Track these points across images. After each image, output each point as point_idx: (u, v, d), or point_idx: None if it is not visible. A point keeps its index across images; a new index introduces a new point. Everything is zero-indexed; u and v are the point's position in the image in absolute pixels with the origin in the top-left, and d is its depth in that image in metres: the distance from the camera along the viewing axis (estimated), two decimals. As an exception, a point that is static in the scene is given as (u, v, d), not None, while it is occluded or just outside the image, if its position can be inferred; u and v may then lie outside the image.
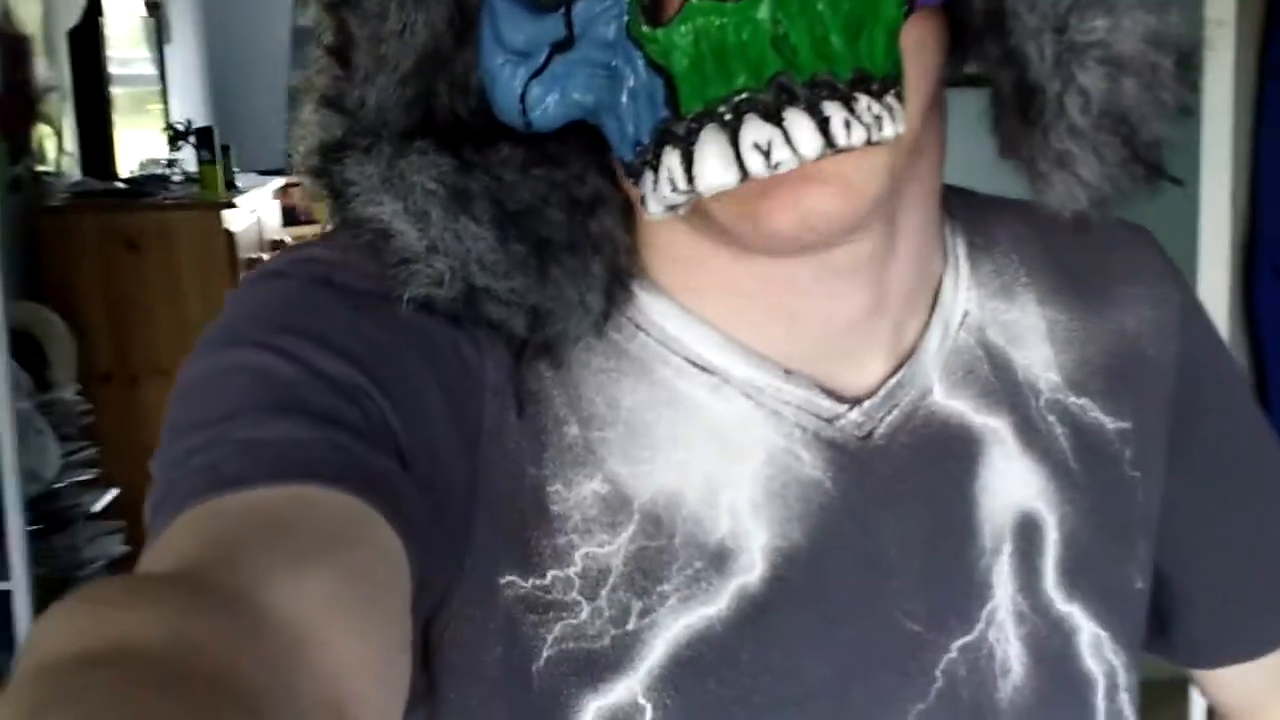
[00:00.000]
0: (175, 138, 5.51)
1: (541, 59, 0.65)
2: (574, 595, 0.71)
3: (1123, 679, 0.82)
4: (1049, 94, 0.68)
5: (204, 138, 5.07)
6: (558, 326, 0.71)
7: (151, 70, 5.76)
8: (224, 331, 0.68)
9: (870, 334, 0.76)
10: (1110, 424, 0.83)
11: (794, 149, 0.59)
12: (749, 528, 0.73)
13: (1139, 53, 0.67)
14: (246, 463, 0.59)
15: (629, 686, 0.71)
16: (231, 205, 4.76)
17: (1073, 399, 0.82)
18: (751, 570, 0.73)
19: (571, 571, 0.71)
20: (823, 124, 0.59)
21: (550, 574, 0.71)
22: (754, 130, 0.59)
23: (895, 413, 0.77)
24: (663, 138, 0.61)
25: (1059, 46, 0.67)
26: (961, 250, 0.81)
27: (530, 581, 0.71)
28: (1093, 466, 0.81)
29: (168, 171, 5.29)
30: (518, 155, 0.72)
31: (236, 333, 0.68)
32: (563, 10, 0.63)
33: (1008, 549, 0.78)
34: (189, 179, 5.18)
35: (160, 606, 0.46)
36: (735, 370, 0.74)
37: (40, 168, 4.54)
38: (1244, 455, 0.91)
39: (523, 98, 0.66)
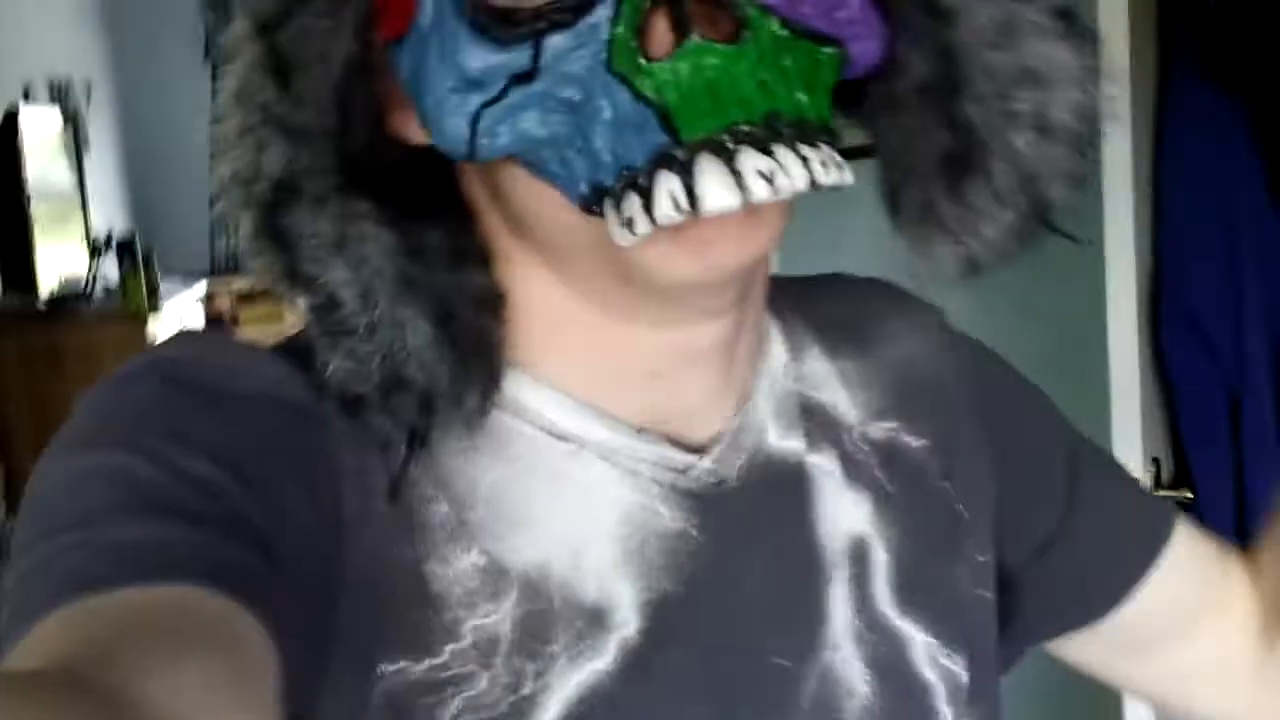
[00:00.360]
0: (96, 250, 5.49)
1: (497, 89, 0.66)
2: (470, 667, 0.72)
3: (965, 680, 0.86)
4: (982, 158, 0.73)
5: (125, 248, 5.05)
6: (442, 417, 0.72)
7: (70, 179, 5.74)
8: (78, 436, 0.68)
9: (723, 377, 0.80)
10: (914, 443, 0.88)
11: (791, 180, 0.63)
12: (617, 586, 0.75)
13: (1063, 124, 0.72)
14: (111, 564, 0.59)
15: None
16: (155, 311, 4.74)
17: (879, 426, 0.87)
18: (628, 625, 0.75)
19: (465, 644, 0.72)
20: (804, 162, 0.64)
21: (447, 649, 0.72)
22: (752, 159, 0.63)
23: (741, 457, 0.80)
24: (659, 163, 0.63)
25: (999, 114, 0.72)
26: (768, 311, 0.86)
27: (425, 663, 0.71)
28: (906, 486, 0.87)
29: (89, 286, 5.25)
30: (439, 239, 0.74)
31: (92, 436, 0.67)
32: (530, 43, 0.65)
33: (843, 575, 0.83)
34: (110, 292, 5.15)
35: (31, 701, 0.46)
36: (590, 435, 0.76)
37: (-39, 283, 4.51)
38: (1049, 446, 0.97)
39: (473, 126, 0.67)
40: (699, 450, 0.79)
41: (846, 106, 0.74)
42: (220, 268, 6.38)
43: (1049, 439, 0.97)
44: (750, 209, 0.65)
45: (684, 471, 0.78)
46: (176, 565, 0.60)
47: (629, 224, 0.64)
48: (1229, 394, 2.39)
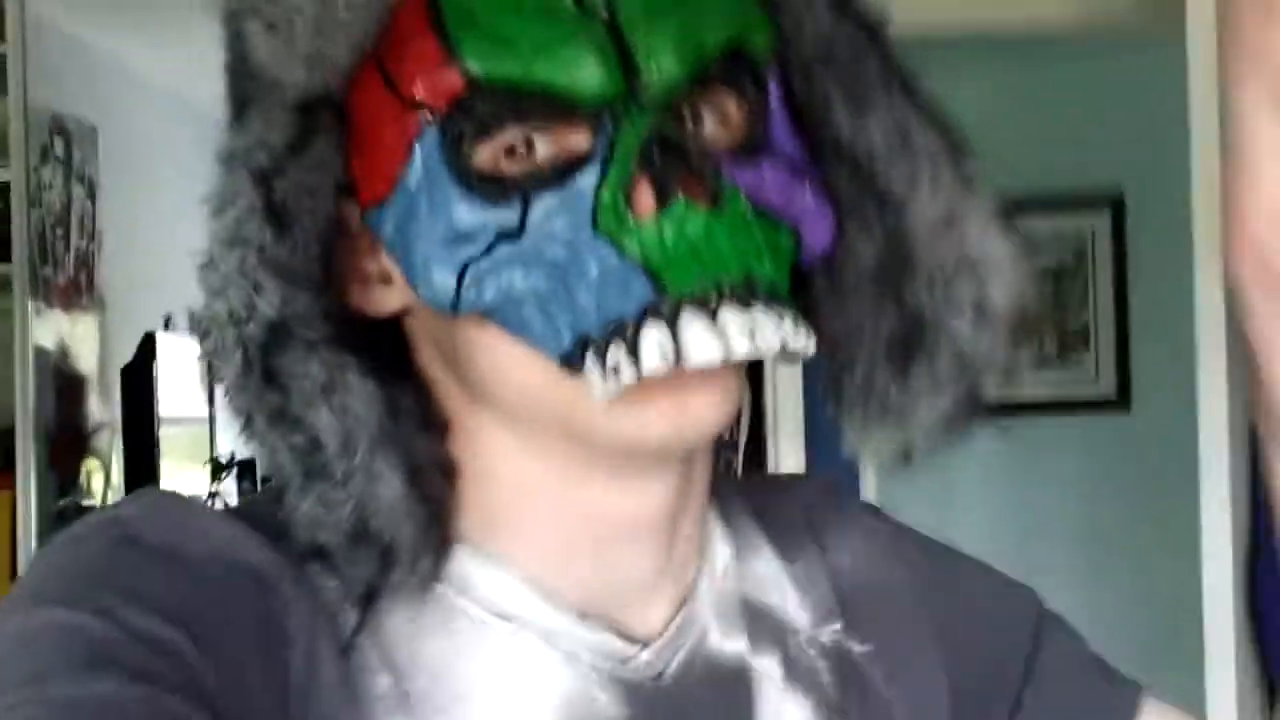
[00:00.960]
0: (217, 469, 5.61)
1: (485, 245, 0.70)
2: None
3: None
4: (926, 341, 0.77)
5: (246, 469, 5.15)
6: (395, 580, 0.73)
7: (202, 411, 5.89)
8: (28, 594, 0.68)
9: (666, 567, 0.81)
10: (857, 649, 0.88)
11: (768, 338, 0.68)
12: None
13: (1000, 309, 0.77)
14: None
15: None
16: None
17: (825, 630, 0.88)
18: None
19: None
20: (779, 323, 0.69)
21: None
22: (734, 316, 0.68)
23: (681, 653, 0.81)
24: (646, 315, 0.67)
25: (943, 299, 0.76)
26: (713, 510, 0.88)
27: None
28: (851, 693, 0.86)
29: (208, 504, 5.34)
30: (410, 402, 0.76)
31: (42, 594, 0.67)
32: (518, 202, 0.69)
33: None
34: (230, 512, 5.24)
35: None
36: (532, 616, 0.77)
37: (86, 502, 4.61)
38: (995, 625, 0.96)
39: (460, 279, 0.70)
40: (642, 644, 0.80)
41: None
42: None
43: (1006, 629, 0.96)
44: (718, 373, 0.70)
45: (624, 662, 0.78)
46: None
47: (615, 372, 0.67)
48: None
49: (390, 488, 0.72)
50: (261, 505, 0.77)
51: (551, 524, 0.78)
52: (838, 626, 0.89)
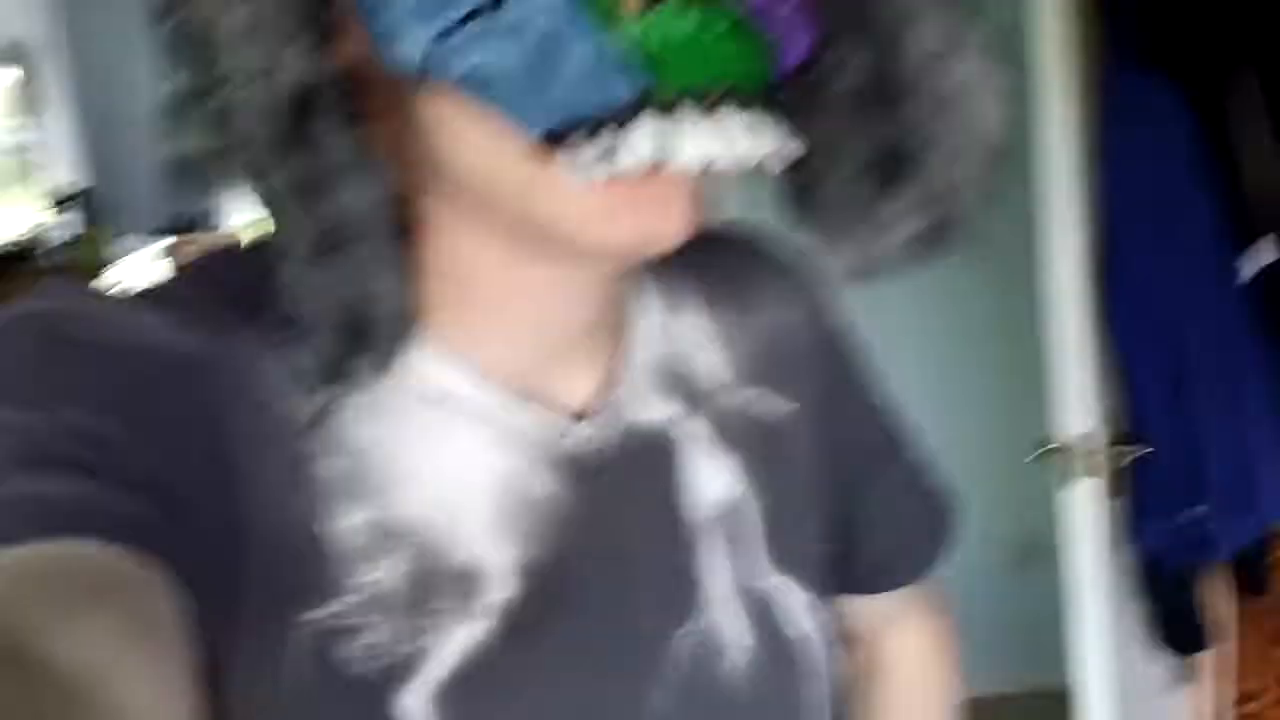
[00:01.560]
0: (59, 203, 5.46)
1: (461, 14, 0.63)
2: (373, 616, 0.73)
3: (830, 632, 0.91)
4: (907, 167, 0.75)
5: (82, 202, 5.03)
6: (363, 364, 0.71)
7: (26, 137, 5.70)
8: None
9: (596, 343, 0.82)
10: (783, 408, 0.92)
11: (765, 141, 0.65)
12: (490, 549, 0.76)
13: (985, 140, 0.74)
14: (2, 520, 0.58)
15: (412, 702, 0.73)
16: (108, 266, 4.71)
17: (746, 391, 0.90)
18: (506, 587, 0.76)
19: (363, 597, 0.73)
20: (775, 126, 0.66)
21: (346, 598, 0.72)
22: (734, 115, 0.64)
23: (614, 424, 0.82)
24: (640, 107, 0.63)
25: (930, 127, 0.74)
26: (645, 267, 0.87)
27: (325, 610, 0.72)
28: (774, 450, 0.90)
29: (49, 237, 5.23)
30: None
31: None
32: None
33: (717, 538, 0.85)
34: (69, 244, 5.13)
35: None
36: (470, 395, 0.77)
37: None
38: (866, 420, 1.05)
39: (431, 47, 0.64)
40: (576, 417, 0.81)
41: None
42: (179, 227, 6.36)
43: (863, 431, 1.04)
44: (688, 181, 0.67)
45: (561, 436, 0.79)
46: (69, 520, 0.58)
47: (605, 156, 0.63)
48: (1180, 357, 2.41)
49: (390, 281, 0.69)
50: (189, 287, 0.74)
51: (491, 305, 0.77)
52: (761, 387, 0.92)
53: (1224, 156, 2.41)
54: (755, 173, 0.68)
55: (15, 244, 5.07)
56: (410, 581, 0.74)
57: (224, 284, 0.74)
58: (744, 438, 0.89)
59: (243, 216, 6.54)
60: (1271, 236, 2.41)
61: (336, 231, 0.67)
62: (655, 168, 0.64)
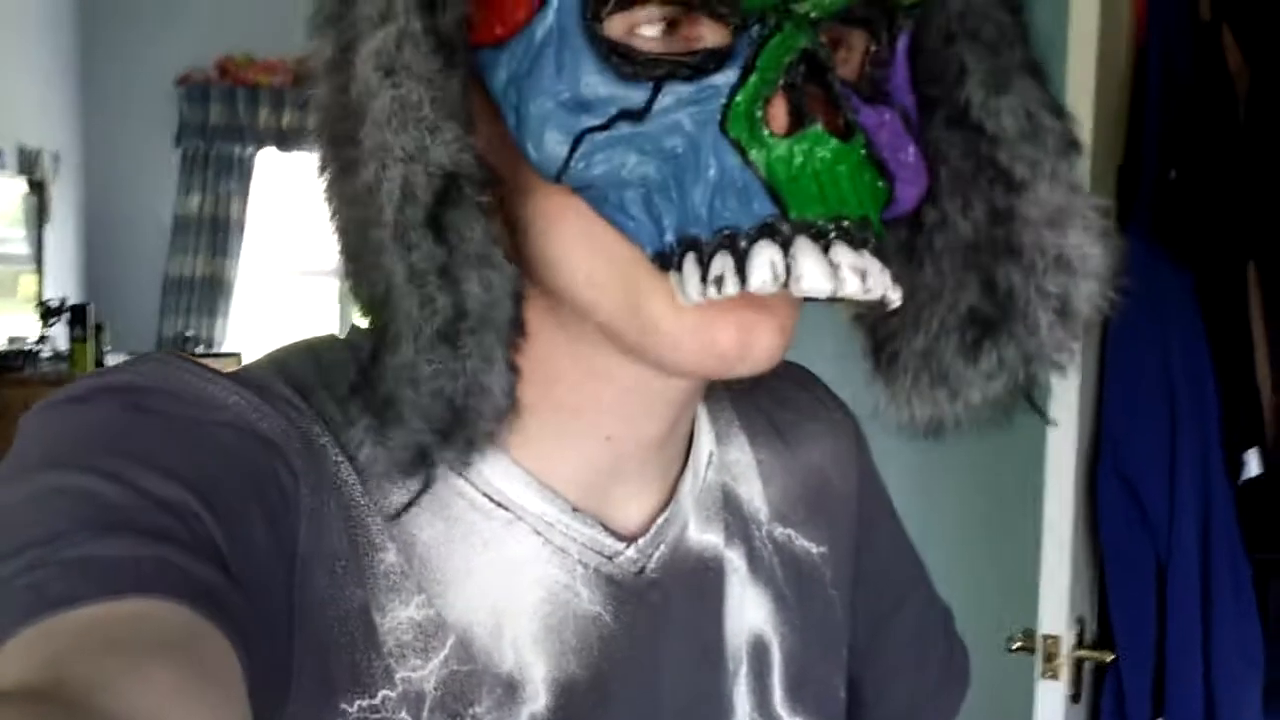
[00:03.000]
0: (48, 314, 5.48)
1: (606, 118, 0.66)
2: (402, 714, 0.73)
3: None
4: (1007, 325, 0.76)
5: (78, 315, 5.05)
6: (453, 452, 0.71)
7: (27, 249, 5.74)
8: (34, 456, 0.66)
9: (654, 465, 0.82)
10: (813, 549, 0.93)
11: (874, 283, 0.66)
12: (530, 660, 0.77)
13: (1080, 312, 0.76)
14: (75, 581, 0.58)
15: None
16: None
17: (780, 529, 0.91)
18: (537, 700, 0.77)
19: (396, 693, 0.73)
20: (881, 272, 0.67)
21: (381, 694, 0.73)
22: (847, 254, 0.65)
23: (662, 548, 0.83)
24: (764, 233, 0.65)
25: (1036, 289, 0.76)
26: (699, 400, 0.88)
27: (358, 704, 0.72)
28: (802, 590, 0.91)
29: (38, 348, 5.25)
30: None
31: (50, 456, 0.65)
32: (651, 85, 0.66)
33: (744, 669, 0.86)
34: (59, 357, 5.15)
35: None
36: (529, 505, 0.78)
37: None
38: (899, 567, 1.05)
39: (574, 146, 0.67)
40: (625, 539, 0.81)
41: None
42: (165, 346, 6.37)
43: (887, 568, 1.03)
44: (785, 308, 0.69)
45: (610, 558, 0.80)
46: (141, 580, 0.59)
47: (718, 282, 0.65)
48: (1157, 562, 2.43)
49: (501, 376, 0.69)
50: (266, 375, 0.76)
51: (564, 414, 0.78)
52: (793, 528, 0.92)
53: (1227, 354, 2.45)
54: (866, 309, 0.70)
55: (3, 352, 5.08)
56: (447, 683, 0.74)
57: (304, 377, 0.76)
58: (774, 575, 0.90)
59: (237, 341, 6.56)
60: (1256, 450, 2.44)
61: (458, 321, 0.68)
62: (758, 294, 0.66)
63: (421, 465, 0.71)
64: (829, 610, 0.94)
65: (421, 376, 0.68)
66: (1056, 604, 2.25)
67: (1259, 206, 2.40)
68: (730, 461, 0.90)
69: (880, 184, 0.69)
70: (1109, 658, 2.35)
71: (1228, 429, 2.45)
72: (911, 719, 1.08)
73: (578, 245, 0.70)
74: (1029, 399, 0.79)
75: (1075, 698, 2.29)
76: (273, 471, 0.70)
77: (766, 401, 0.95)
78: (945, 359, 0.77)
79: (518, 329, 0.70)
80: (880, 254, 0.68)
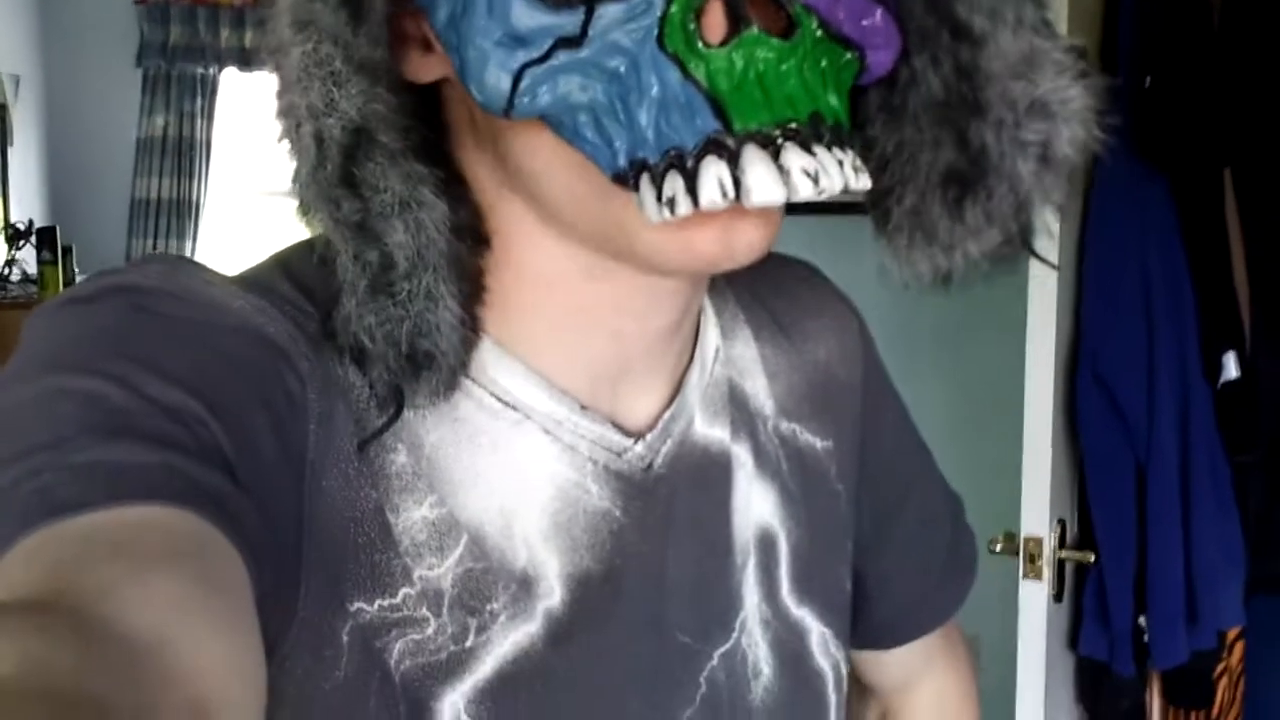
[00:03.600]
0: (15, 237, 5.42)
1: (543, 50, 0.66)
2: (424, 612, 0.74)
3: (844, 670, 0.93)
4: (986, 179, 0.75)
5: (45, 238, 5.00)
6: (426, 386, 0.73)
7: (-10, 173, 5.68)
8: (40, 358, 0.66)
9: (661, 360, 0.83)
10: (818, 444, 0.94)
11: (830, 180, 0.65)
12: (543, 557, 0.78)
13: (1064, 157, 0.75)
14: (81, 486, 0.58)
15: (453, 701, 0.74)
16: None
17: (785, 424, 0.92)
18: (552, 595, 0.78)
19: (415, 590, 0.74)
20: (840, 165, 0.66)
21: (401, 592, 0.74)
22: (798, 157, 0.64)
23: (669, 443, 0.84)
24: (708, 149, 0.64)
25: (1011, 140, 0.74)
26: (706, 294, 0.89)
27: (378, 603, 0.73)
28: (807, 485, 0.92)
29: (5, 271, 5.21)
30: (468, 215, 0.75)
31: (56, 359, 0.65)
32: (583, 10, 0.65)
33: (752, 562, 0.87)
34: (28, 280, 5.10)
35: (3, 635, 0.46)
36: (537, 404, 0.79)
37: None
38: (905, 459, 1.06)
39: (515, 83, 0.67)
40: (633, 435, 0.82)
41: None
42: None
43: (894, 462, 1.04)
44: (763, 209, 0.67)
45: (619, 454, 0.81)
46: (147, 486, 0.59)
47: (670, 204, 0.65)
48: (1136, 463, 2.46)
49: (448, 311, 0.71)
50: (270, 277, 0.76)
51: (568, 314, 0.78)
52: (798, 423, 0.93)
53: (1204, 259, 2.46)
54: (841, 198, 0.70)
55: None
56: (464, 581, 0.75)
57: (305, 276, 0.76)
58: (779, 470, 0.91)
59: (205, 263, 6.51)
60: (1233, 353, 2.46)
61: (388, 270, 0.70)
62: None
63: (397, 398, 0.73)
64: (834, 504, 0.95)
65: (369, 326, 0.70)
66: (1038, 506, 2.28)
67: (1234, 113, 2.41)
68: (735, 356, 0.91)
69: (846, 57, 0.69)
70: (1090, 558, 2.39)
71: (1205, 332, 2.47)
72: (917, 610, 1.10)
73: (554, 166, 0.70)
74: (1027, 247, 0.78)
75: (1058, 597, 2.32)
76: (279, 375, 0.70)
77: (771, 298, 0.95)
78: (932, 216, 0.77)
79: (473, 254, 0.73)
80: (850, 139, 0.68)
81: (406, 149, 0.70)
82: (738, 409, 0.89)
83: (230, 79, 6.59)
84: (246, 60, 6.50)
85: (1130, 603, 2.44)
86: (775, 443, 0.91)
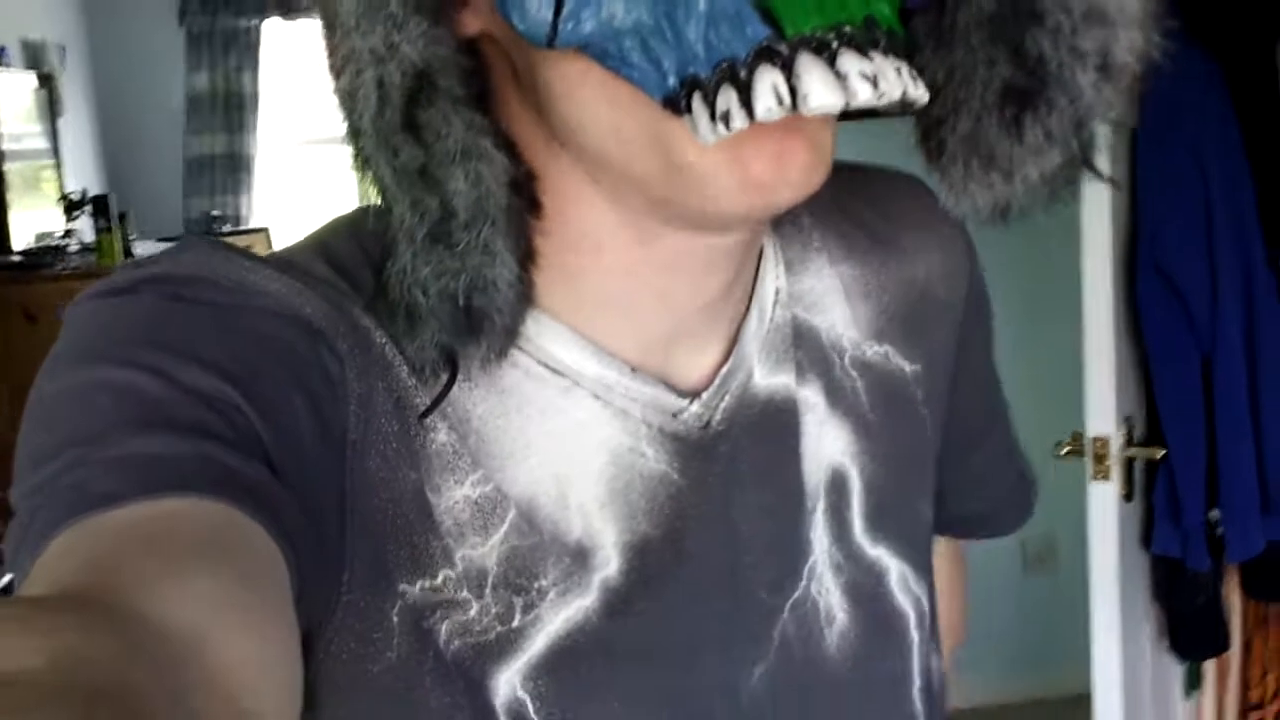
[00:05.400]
0: (71, 207, 5.47)
1: None
2: (464, 594, 0.73)
3: (927, 607, 0.90)
4: (1046, 93, 0.72)
5: (100, 206, 5.05)
6: (477, 351, 0.72)
7: (44, 144, 5.72)
8: (77, 350, 0.66)
9: (716, 316, 0.80)
10: (908, 367, 0.90)
11: (889, 86, 0.62)
12: (599, 526, 0.76)
13: (1124, 64, 0.71)
14: (117, 479, 0.58)
15: (508, 679, 0.74)
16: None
17: (874, 348, 0.88)
18: (609, 565, 0.76)
19: (457, 571, 0.73)
20: (897, 71, 0.63)
21: (442, 574, 0.73)
22: (855, 61, 0.61)
23: (727, 399, 0.81)
24: (761, 57, 0.61)
25: (1068, 50, 0.71)
26: (767, 231, 0.85)
27: (419, 584, 0.72)
28: (890, 412, 0.88)
29: (64, 242, 5.26)
30: (524, 173, 0.71)
31: (92, 350, 0.65)
32: None
33: (821, 505, 0.84)
34: (86, 249, 5.15)
35: (38, 628, 0.45)
36: (586, 370, 0.76)
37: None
38: (992, 391, 1.03)
39: (558, 9, 0.64)
40: (689, 394, 0.79)
41: None
42: (192, 230, 6.37)
43: (979, 395, 1.02)
44: (819, 131, 0.65)
45: (675, 415, 0.79)
46: (183, 478, 0.59)
47: (725, 119, 0.62)
48: (1202, 356, 2.42)
49: (506, 268, 0.69)
50: (308, 258, 0.75)
51: (616, 278, 0.76)
52: (888, 345, 0.90)
53: (1260, 143, 2.41)
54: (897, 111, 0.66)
55: (32, 249, 5.10)
56: (509, 559, 0.74)
57: (346, 257, 0.75)
58: (858, 403, 0.87)
59: (263, 216, 6.56)
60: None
61: (447, 220, 0.68)
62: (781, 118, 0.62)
63: (449, 361, 0.71)
64: (919, 430, 0.91)
65: (425, 279, 0.68)
66: (1102, 405, 2.25)
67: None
68: (804, 291, 0.86)
69: None
70: (1159, 454, 2.36)
71: (1265, 217, 2.42)
72: (974, 526, 1.10)
73: (599, 104, 0.67)
74: (1089, 165, 0.75)
75: (1128, 497, 2.30)
76: (318, 357, 0.70)
77: (868, 213, 0.91)
78: (990, 139, 0.73)
79: (528, 213, 0.70)
80: (904, 48, 0.65)
81: (468, 96, 0.68)
82: (805, 349, 0.85)
83: (273, 28, 6.60)
84: (289, 8, 6.50)
85: (1202, 497, 2.41)
86: (853, 375, 0.87)
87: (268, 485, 0.62)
